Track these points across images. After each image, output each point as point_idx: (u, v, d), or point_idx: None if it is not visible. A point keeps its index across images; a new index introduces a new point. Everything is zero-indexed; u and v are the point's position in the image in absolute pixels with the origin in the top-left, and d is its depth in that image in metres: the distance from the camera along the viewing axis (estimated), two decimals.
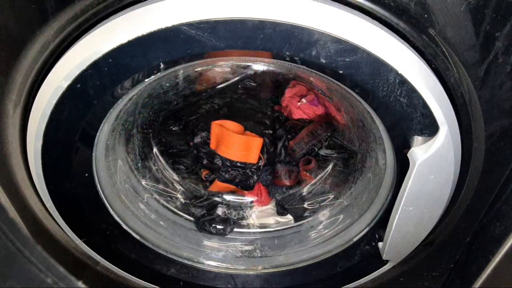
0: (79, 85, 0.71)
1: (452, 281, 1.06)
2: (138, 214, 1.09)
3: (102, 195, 0.94)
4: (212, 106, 1.34)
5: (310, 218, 1.24)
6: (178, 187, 1.29)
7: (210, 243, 1.20)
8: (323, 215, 1.21)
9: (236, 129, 1.27)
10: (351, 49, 0.67)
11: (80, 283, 1.12)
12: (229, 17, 0.65)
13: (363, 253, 1.04)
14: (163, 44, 0.68)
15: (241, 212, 1.30)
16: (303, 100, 1.32)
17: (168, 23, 0.65)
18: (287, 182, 1.30)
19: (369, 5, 0.69)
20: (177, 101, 1.23)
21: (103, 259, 1.05)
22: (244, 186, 1.27)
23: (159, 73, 0.73)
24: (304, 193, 1.30)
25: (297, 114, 1.33)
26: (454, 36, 0.69)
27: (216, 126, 1.25)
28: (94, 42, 0.69)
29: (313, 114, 1.32)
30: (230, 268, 1.16)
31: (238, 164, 1.25)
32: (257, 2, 0.66)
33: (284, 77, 1.28)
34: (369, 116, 0.84)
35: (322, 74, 0.73)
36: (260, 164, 1.26)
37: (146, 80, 0.74)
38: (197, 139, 1.29)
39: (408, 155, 0.77)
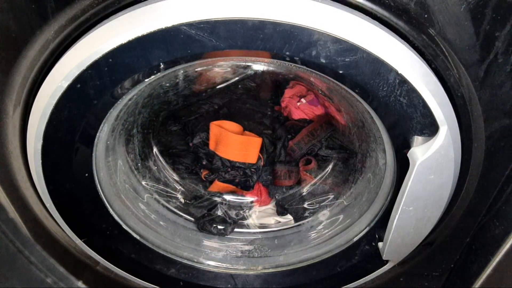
0: (79, 85, 0.71)
1: (452, 281, 1.06)
2: (138, 214, 1.09)
3: (102, 195, 0.94)
4: (212, 106, 1.34)
5: (310, 218, 1.24)
6: (178, 187, 1.29)
7: (210, 243, 1.20)
8: (323, 215, 1.21)
9: (235, 129, 1.27)
10: (351, 49, 0.67)
11: (80, 283, 1.12)
12: (229, 17, 0.65)
13: (363, 253, 1.04)
14: (163, 44, 0.68)
15: (241, 212, 1.30)
16: (303, 100, 1.32)
17: (168, 23, 0.65)
18: (287, 182, 1.30)
19: (369, 5, 0.69)
20: (177, 101, 1.23)
21: (103, 259, 1.05)
22: (244, 186, 1.27)
23: (159, 73, 0.73)
24: (304, 193, 1.30)
25: (297, 114, 1.33)
26: (454, 36, 0.69)
27: (215, 127, 1.25)
28: (94, 42, 0.69)
29: (312, 114, 1.32)
30: (230, 268, 1.15)
31: (238, 164, 1.25)
32: (257, 2, 0.66)
33: (284, 77, 1.28)
34: (369, 116, 0.84)
35: (322, 74, 0.73)
36: (259, 164, 1.26)
37: (146, 80, 0.74)
38: (196, 140, 1.29)
39: (408, 155, 0.77)
